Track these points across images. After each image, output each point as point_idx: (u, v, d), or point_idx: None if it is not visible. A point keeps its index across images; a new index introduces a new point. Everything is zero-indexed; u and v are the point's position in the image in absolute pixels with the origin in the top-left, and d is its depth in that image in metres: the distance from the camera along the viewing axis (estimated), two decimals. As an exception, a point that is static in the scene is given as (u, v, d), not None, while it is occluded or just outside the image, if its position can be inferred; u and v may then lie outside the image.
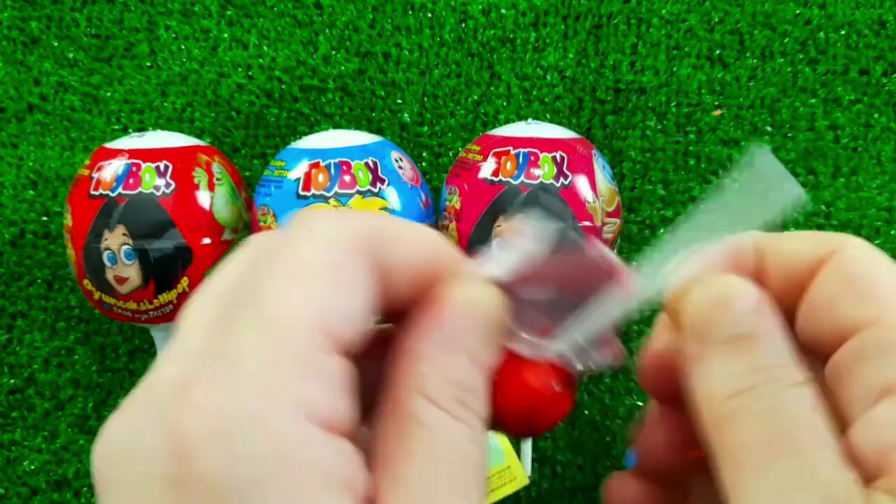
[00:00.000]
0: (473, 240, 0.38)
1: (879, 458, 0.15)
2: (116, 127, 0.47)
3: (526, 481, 0.40)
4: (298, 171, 0.38)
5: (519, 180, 0.38)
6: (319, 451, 0.13)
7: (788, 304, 0.18)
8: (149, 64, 0.47)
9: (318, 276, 0.15)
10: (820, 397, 0.16)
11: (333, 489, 0.13)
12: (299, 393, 0.13)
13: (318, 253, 0.15)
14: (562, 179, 0.38)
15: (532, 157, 0.38)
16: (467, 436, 0.16)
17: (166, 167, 0.39)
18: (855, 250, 0.18)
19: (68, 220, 0.39)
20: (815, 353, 0.17)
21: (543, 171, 0.38)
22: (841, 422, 0.16)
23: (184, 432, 0.13)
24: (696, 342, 0.17)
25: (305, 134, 0.43)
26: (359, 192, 0.38)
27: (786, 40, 0.46)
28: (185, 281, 0.39)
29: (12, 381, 0.46)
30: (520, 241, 0.18)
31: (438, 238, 0.17)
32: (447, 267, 0.17)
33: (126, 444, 0.14)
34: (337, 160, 0.38)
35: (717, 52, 0.46)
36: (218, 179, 0.40)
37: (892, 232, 0.45)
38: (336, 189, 0.37)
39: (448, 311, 0.16)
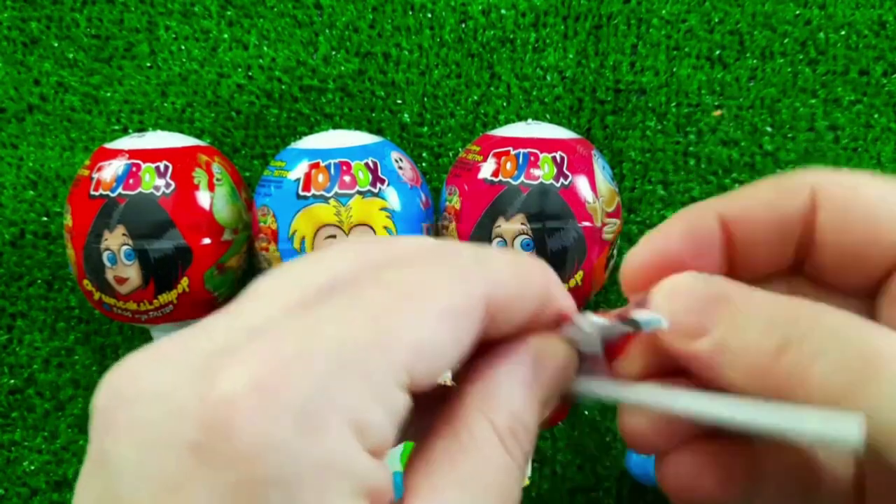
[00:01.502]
0: (473, 240, 0.38)
1: None
2: (116, 127, 0.47)
3: (526, 481, 0.40)
4: (298, 171, 0.38)
5: (519, 181, 0.38)
6: (360, 468, 0.13)
7: (782, 261, 0.18)
8: (149, 64, 0.47)
9: (437, 312, 0.14)
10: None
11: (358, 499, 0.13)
12: (362, 416, 0.13)
13: (447, 290, 0.15)
14: (562, 180, 0.38)
15: (532, 158, 0.38)
16: (510, 471, 0.16)
17: (166, 167, 0.39)
18: (839, 188, 0.17)
19: (68, 221, 0.39)
20: (849, 289, 0.17)
21: (543, 172, 0.38)
22: None
23: (227, 405, 0.12)
24: (694, 339, 0.16)
25: (305, 134, 0.43)
26: (359, 193, 0.38)
27: (786, 40, 0.46)
28: (185, 281, 0.39)
29: (12, 381, 0.46)
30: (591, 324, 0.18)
31: (546, 294, 0.17)
32: (546, 321, 0.18)
33: (151, 393, 0.12)
34: (337, 160, 0.38)
35: (717, 52, 0.46)
36: (218, 180, 0.40)
37: (892, 232, 0.45)
38: (336, 189, 0.37)
39: (540, 354, 0.17)
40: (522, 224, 0.37)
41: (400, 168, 0.39)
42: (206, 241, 0.39)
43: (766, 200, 0.18)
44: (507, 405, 0.16)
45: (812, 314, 0.15)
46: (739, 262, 0.19)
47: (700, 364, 0.17)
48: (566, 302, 0.18)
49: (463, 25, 0.47)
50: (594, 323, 0.18)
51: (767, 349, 0.15)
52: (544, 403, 0.17)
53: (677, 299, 0.17)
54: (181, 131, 0.44)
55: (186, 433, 0.12)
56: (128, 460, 0.12)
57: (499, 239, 0.38)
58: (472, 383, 0.16)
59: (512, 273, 0.16)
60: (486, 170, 0.38)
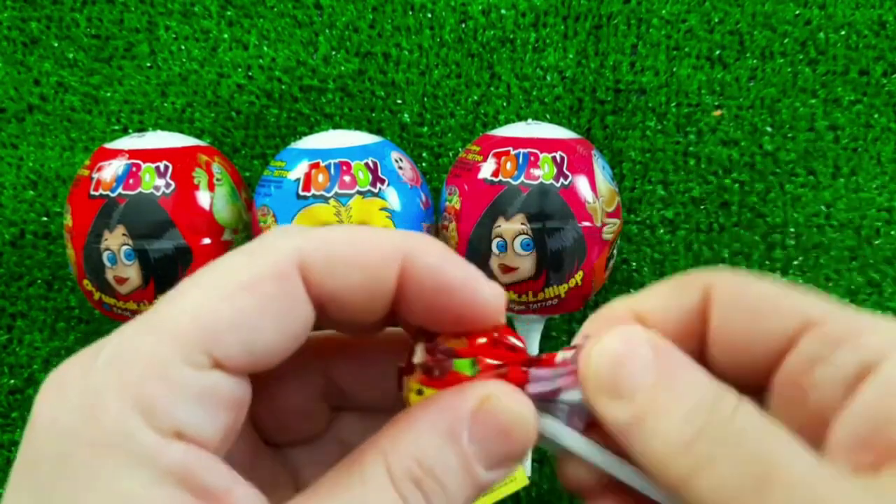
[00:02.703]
0: (473, 240, 0.38)
1: (885, 438, 0.15)
2: (116, 127, 0.47)
3: (526, 481, 0.40)
4: (298, 171, 0.38)
5: (519, 180, 0.38)
6: (147, 446, 0.13)
7: (691, 355, 0.18)
8: (149, 64, 0.47)
9: (226, 291, 0.15)
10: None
11: (140, 472, 0.13)
12: (141, 388, 0.14)
13: (240, 269, 0.15)
14: (562, 180, 0.38)
15: (532, 158, 0.38)
16: None
17: (166, 167, 0.39)
18: (729, 286, 0.18)
19: (68, 221, 0.39)
20: (739, 382, 0.17)
21: (543, 172, 0.38)
22: (809, 426, 0.16)
23: (38, 405, 0.14)
24: (618, 409, 0.16)
25: (305, 134, 0.43)
26: (359, 193, 0.38)
27: (786, 40, 0.46)
28: (185, 281, 0.39)
29: (12, 381, 0.46)
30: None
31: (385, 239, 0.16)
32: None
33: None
34: (337, 160, 0.38)
35: (717, 52, 0.46)
36: (218, 180, 0.40)
37: (892, 232, 0.45)
38: (336, 189, 0.37)
39: (486, 405, 0.15)
40: (522, 224, 0.37)
41: (400, 168, 0.39)
42: (206, 241, 0.39)
43: (665, 297, 0.18)
44: (413, 450, 0.15)
45: (727, 410, 0.15)
46: None
47: (613, 428, 0.16)
48: (455, 273, 0.16)
49: (463, 25, 0.47)
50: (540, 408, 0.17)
51: (680, 439, 0.15)
52: (471, 466, 0.15)
53: (606, 355, 0.17)
54: (181, 131, 0.44)
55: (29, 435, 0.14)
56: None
57: (499, 239, 0.38)
58: (393, 422, 0.16)
59: (347, 232, 0.16)
60: (486, 170, 0.38)
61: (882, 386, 0.15)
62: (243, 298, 0.15)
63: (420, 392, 0.16)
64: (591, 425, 0.18)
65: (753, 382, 0.18)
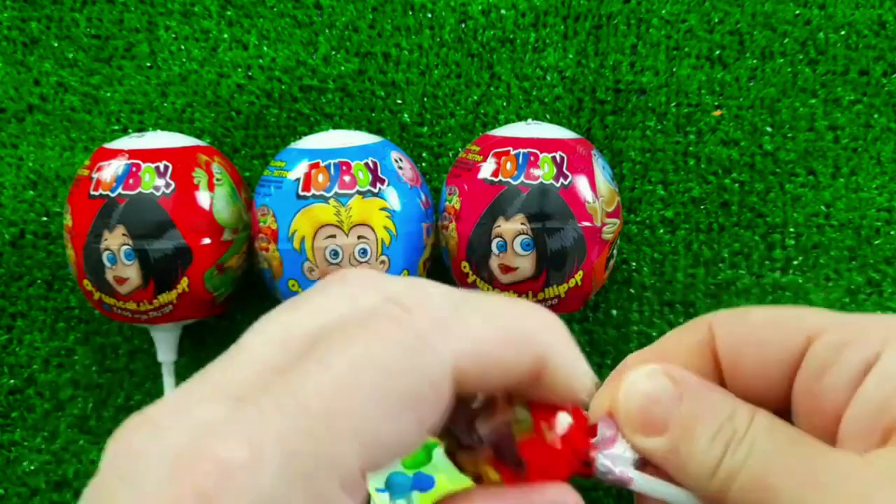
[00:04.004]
0: (473, 240, 0.39)
1: (889, 418, 0.16)
2: (116, 127, 0.47)
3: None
4: (298, 171, 0.38)
5: (519, 180, 0.38)
6: None
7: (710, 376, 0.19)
8: (149, 64, 0.47)
9: (386, 404, 0.13)
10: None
11: None
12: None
13: (398, 371, 0.13)
14: (562, 180, 0.38)
15: (532, 158, 0.38)
16: None
17: (166, 167, 0.39)
18: (729, 317, 0.19)
19: (68, 221, 0.39)
20: (763, 403, 0.18)
21: (543, 172, 0.38)
22: (829, 428, 0.17)
23: (198, 476, 0.12)
24: (657, 444, 0.18)
25: (305, 134, 0.43)
26: (359, 193, 0.38)
27: (786, 40, 0.46)
28: (184, 281, 0.39)
29: (12, 381, 0.46)
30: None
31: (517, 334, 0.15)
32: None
33: (145, 453, 0.13)
34: (337, 160, 0.38)
35: (717, 52, 0.46)
36: (218, 180, 0.40)
37: (892, 232, 0.45)
38: (336, 189, 0.37)
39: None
40: (522, 224, 0.37)
41: (400, 168, 0.39)
42: (206, 241, 0.39)
43: (674, 342, 0.20)
44: None
45: (743, 424, 0.17)
46: None
47: (655, 461, 0.18)
48: (573, 364, 0.16)
49: (463, 25, 0.47)
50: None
51: (711, 460, 0.17)
52: None
53: (633, 397, 0.18)
54: (181, 131, 0.44)
55: (162, 494, 0.13)
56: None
57: (499, 239, 0.38)
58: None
59: (494, 330, 0.14)
60: (486, 170, 0.38)
61: (882, 373, 0.16)
62: (403, 419, 0.13)
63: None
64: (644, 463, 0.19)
65: (776, 401, 0.19)
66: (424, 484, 0.40)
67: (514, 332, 0.15)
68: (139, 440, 0.14)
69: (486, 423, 0.16)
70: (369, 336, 0.13)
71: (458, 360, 0.14)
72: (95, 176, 0.39)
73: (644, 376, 0.18)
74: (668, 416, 0.17)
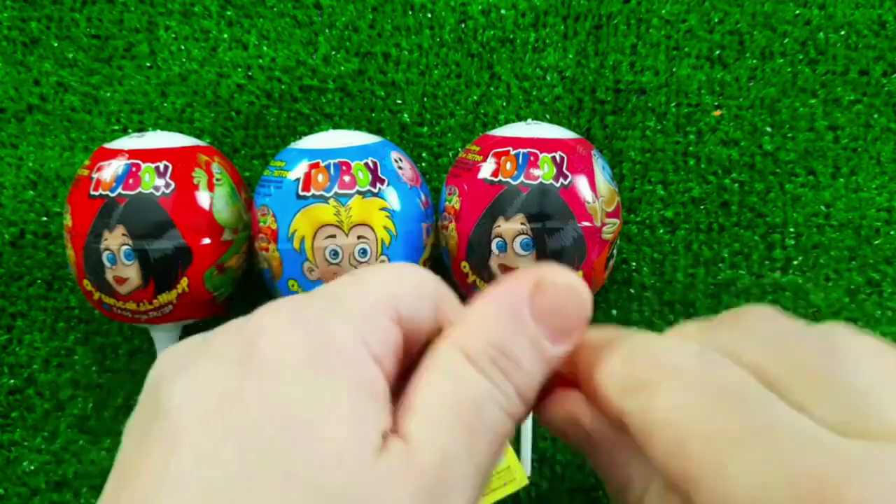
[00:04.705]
0: (473, 240, 0.38)
1: None
2: (116, 127, 0.47)
3: (526, 481, 0.40)
4: (298, 171, 0.38)
5: (518, 181, 0.38)
6: (363, 365, 0.16)
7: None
8: (149, 64, 0.47)
9: (397, 278, 0.18)
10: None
11: (362, 384, 0.16)
12: (359, 324, 0.16)
13: (401, 267, 0.19)
14: (561, 180, 0.38)
15: (532, 158, 0.38)
16: (491, 395, 0.16)
17: (166, 167, 0.39)
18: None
19: (68, 221, 0.39)
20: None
21: (543, 172, 0.38)
22: None
23: (258, 317, 0.17)
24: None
25: (305, 134, 0.43)
26: (358, 193, 0.38)
27: (786, 40, 0.45)
28: (184, 281, 0.39)
29: (12, 381, 0.46)
30: None
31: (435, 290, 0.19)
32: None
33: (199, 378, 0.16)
34: (337, 160, 0.38)
35: (717, 52, 0.46)
36: (218, 180, 0.40)
37: (892, 232, 0.45)
38: (336, 189, 0.37)
39: (531, 288, 0.17)
40: (522, 224, 0.37)
41: (400, 168, 0.39)
42: (206, 241, 0.39)
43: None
44: (487, 335, 0.16)
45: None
46: None
47: (629, 423, 0.17)
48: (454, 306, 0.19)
49: (463, 25, 0.47)
50: None
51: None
52: (540, 341, 0.17)
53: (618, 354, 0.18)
54: (181, 131, 0.44)
55: (220, 386, 0.16)
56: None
57: (498, 239, 0.38)
58: (458, 318, 0.18)
59: (412, 280, 0.19)
60: (486, 170, 0.38)
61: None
62: (408, 283, 0.18)
63: None
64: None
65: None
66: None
67: (419, 277, 0.19)
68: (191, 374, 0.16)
69: None
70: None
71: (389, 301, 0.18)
72: (95, 176, 0.38)
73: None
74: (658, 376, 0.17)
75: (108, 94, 0.47)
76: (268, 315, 0.17)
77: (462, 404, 0.16)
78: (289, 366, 0.15)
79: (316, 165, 0.38)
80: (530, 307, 0.17)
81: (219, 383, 0.15)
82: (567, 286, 0.17)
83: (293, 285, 0.39)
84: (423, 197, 0.40)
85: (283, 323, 0.16)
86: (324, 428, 0.15)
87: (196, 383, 0.15)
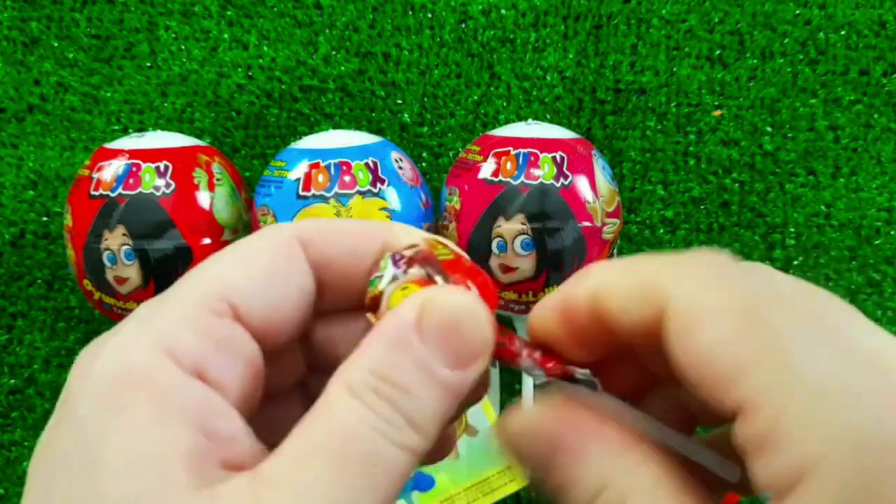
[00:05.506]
0: (473, 240, 0.38)
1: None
2: (116, 127, 0.47)
3: (526, 481, 0.40)
4: (298, 171, 0.38)
5: (519, 181, 0.38)
6: (164, 380, 0.15)
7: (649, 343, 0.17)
8: (149, 64, 0.47)
9: (239, 260, 0.17)
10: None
11: (163, 407, 0.14)
12: (167, 333, 0.15)
13: (250, 243, 0.17)
14: (562, 180, 0.38)
15: (532, 158, 0.38)
16: (372, 425, 0.15)
17: (166, 167, 0.39)
18: (685, 312, 0.16)
19: (68, 221, 0.39)
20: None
21: (543, 172, 0.38)
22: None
23: (78, 360, 0.16)
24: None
25: (305, 134, 0.43)
26: (359, 193, 0.38)
27: (786, 40, 0.46)
28: (185, 281, 0.39)
29: (12, 381, 0.46)
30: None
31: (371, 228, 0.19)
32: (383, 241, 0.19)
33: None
34: (337, 160, 0.38)
35: (717, 52, 0.46)
36: (218, 180, 0.40)
37: (892, 232, 0.45)
38: (336, 189, 0.37)
39: (417, 311, 0.16)
40: (522, 224, 0.37)
41: (400, 168, 0.39)
42: (206, 241, 0.39)
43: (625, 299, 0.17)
44: (366, 365, 0.15)
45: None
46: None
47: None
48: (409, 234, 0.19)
49: (463, 25, 0.47)
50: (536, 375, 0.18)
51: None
52: (428, 363, 0.15)
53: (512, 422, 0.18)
54: (181, 131, 0.44)
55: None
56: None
57: (499, 239, 0.38)
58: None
59: (329, 220, 0.19)
60: (486, 170, 0.38)
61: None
62: (254, 261, 0.17)
63: None
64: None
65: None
66: (424, 484, 0.40)
67: (349, 221, 0.20)
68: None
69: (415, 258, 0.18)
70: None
71: (300, 229, 0.18)
72: (96, 176, 0.38)
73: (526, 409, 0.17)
74: (544, 461, 0.17)
75: (109, 94, 0.47)
76: (83, 351, 0.16)
77: (332, 435, 0.15)
78: (85, 409, 0.15)
79: (316, 165, 0.38)
80: (417, 329, 0.16)
81: (46, 431, 0.15)
82: (459, 305, 0.16)
83: (293, 285, 0.39)
84: (423, 197, 0.40)
85: (85, 360, 0.15)
86: (113, 476, 0.14)
87: (46, 429, 0.16)
